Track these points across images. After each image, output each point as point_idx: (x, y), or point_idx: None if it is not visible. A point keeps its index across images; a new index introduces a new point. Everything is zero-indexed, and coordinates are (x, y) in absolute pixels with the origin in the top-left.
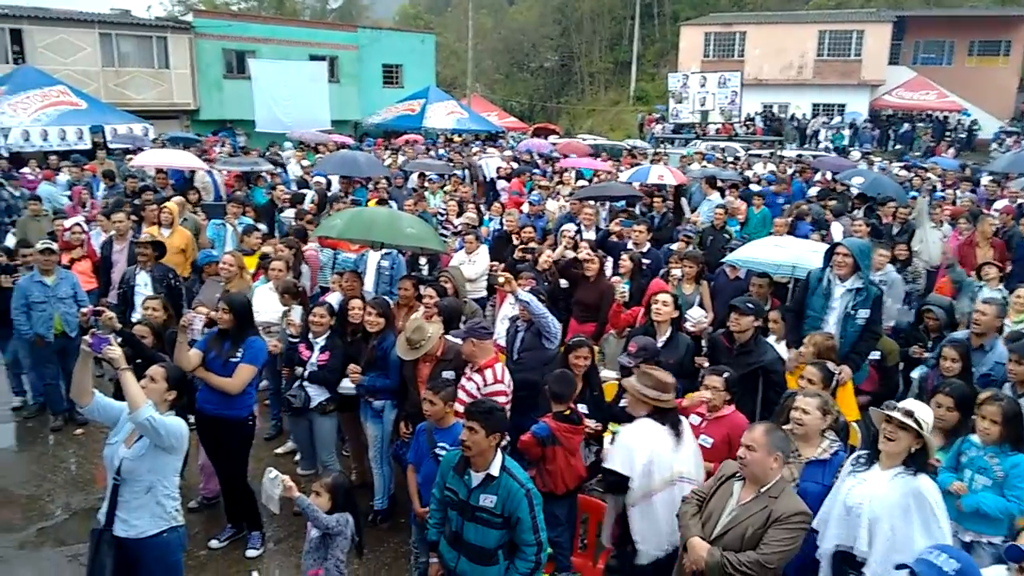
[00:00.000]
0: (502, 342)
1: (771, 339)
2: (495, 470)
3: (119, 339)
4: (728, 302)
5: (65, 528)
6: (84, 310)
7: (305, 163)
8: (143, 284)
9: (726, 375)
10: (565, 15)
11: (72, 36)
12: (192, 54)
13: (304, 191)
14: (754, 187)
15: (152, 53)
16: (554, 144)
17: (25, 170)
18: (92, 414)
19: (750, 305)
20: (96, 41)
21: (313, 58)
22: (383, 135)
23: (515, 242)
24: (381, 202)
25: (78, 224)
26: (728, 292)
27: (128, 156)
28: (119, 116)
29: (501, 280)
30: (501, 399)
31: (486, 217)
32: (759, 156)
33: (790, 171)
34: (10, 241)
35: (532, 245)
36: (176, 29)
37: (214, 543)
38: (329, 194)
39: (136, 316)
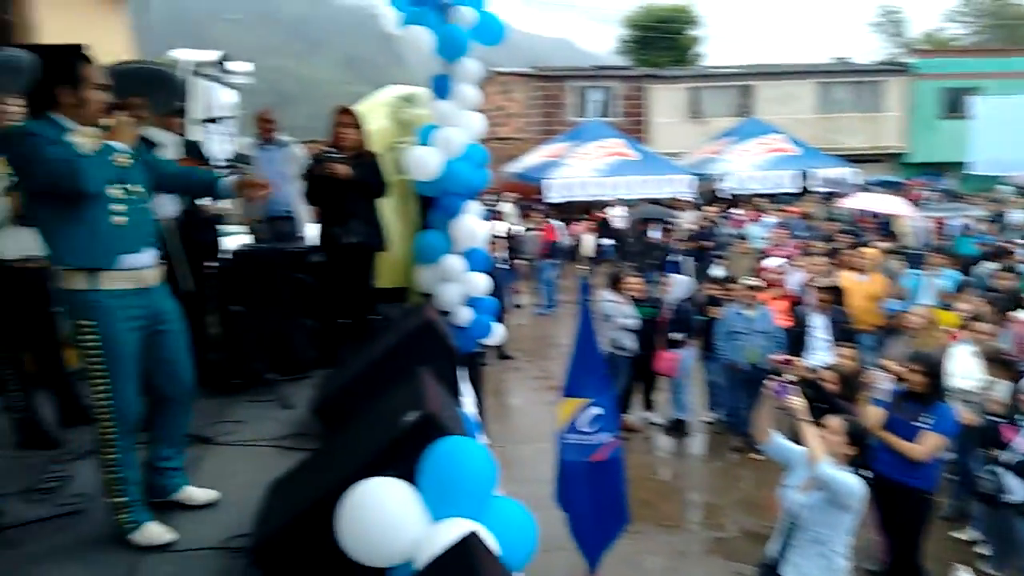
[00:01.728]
0: None
1: None
2: None
3: (804, 385)
4: None
5: (734, 544)
6: (776, 357)
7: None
8: (818, 327)
9: None
10: None
11: (792, 87)
12: (907, 96)
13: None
14: None
15: (865, 97)
16: None
17: (736, 211)
18: (768, 452)
19: None
20: (814, 90)
21: None
22: None
23: None
24: None
25: (780, 263)
26: None
27: (831, 200)
28: (827, 161)
29: None
30: None
31: None
32: None
33: None
34: (720, 272)
35: None
36: (892, 72)
37: None
38: None
39: (811, 358)
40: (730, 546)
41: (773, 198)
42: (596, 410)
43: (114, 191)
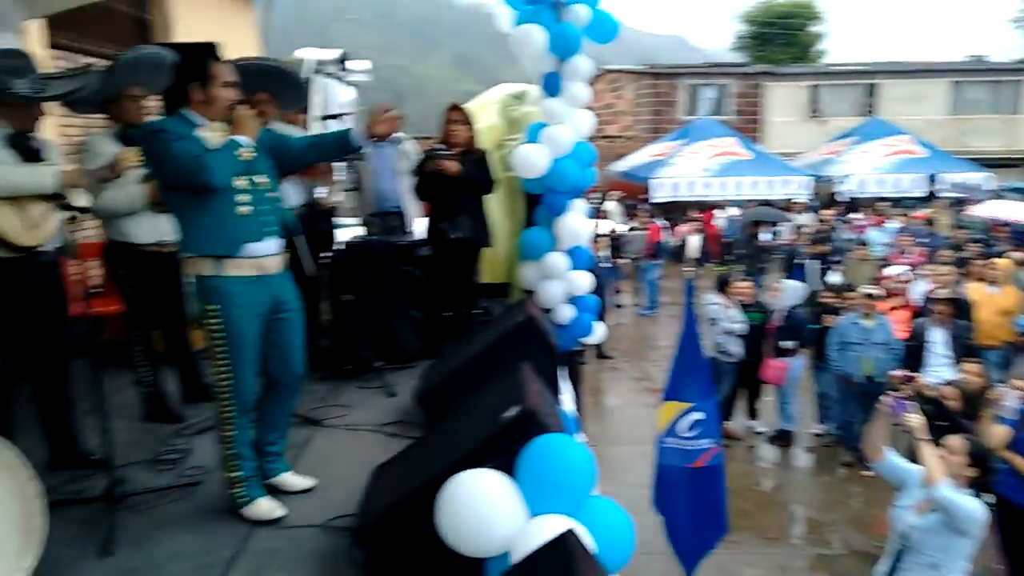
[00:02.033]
0: None
1: None
2: None
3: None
4: None
5: (841, 562)
6: (895, 374)
7: None
8: (937, 342)
9: None
10: None
11: (922, 87)
12: None
13: None
14: None
15: (1004, 98)
16: None
17: (856, 215)
18: (880, 470)
19: None
20: (946, 90)
21: None
22: None
23: None
24: None
25: (902, 272)
26: None
27: (961, 206)
28: (958, 164)
29: None
30: None
31: None
32: None
33: None
34: (836, 279)
35: None
36: None
37: None
38: None
39: (927, 375)
40: (835, 564)
41: (896, 203)
42: (697, 415)
43: (240, 183)
